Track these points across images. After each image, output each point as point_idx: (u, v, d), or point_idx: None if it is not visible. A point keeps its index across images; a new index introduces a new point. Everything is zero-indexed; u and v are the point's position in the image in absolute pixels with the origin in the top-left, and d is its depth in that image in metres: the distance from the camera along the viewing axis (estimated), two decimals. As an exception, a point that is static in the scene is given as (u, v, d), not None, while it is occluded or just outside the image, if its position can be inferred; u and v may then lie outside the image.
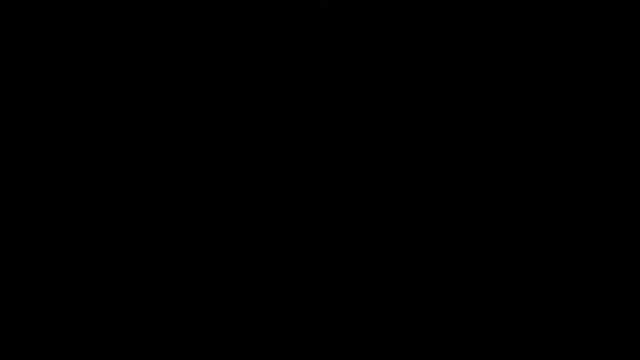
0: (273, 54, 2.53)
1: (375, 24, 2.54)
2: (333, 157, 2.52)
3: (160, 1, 2.53)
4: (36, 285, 2.43)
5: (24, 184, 2.48)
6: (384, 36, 2.54)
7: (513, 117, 2.51)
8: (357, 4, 2.54)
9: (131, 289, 2.44)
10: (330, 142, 2.52)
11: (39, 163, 2.48)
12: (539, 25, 2.52)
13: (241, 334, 2.43)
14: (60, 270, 2.44)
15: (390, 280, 2.45)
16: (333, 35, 2.54)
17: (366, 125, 2.52)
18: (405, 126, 2.51)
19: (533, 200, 2.47)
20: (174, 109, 2.52)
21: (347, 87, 2.53)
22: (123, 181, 2.48)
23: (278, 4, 2.53)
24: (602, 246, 2.44)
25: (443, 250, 2.46)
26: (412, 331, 2.43)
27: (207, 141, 2.51)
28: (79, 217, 2.46)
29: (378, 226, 2.48)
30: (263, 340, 2.43)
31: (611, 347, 2.39)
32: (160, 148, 2.50)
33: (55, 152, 2.48)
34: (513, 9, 2.52)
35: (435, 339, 2.42)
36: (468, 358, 2.41)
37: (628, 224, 2.44)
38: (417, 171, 2.50)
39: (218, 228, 2.48)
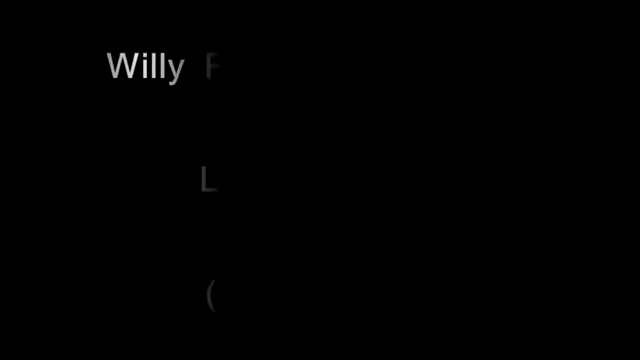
0: (273, 55, 2.55)
1: (377, 27, 2.57)
2: (334, 159, 2.53)
3: (160, 1, 2.56)
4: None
5: (22, 184, 2.49)
6: (386, 39, 2.56)
7: (514, 119, 2.51)
8: (359, 7, 2.56)
9: (128, 288, 2.44)
10: (330, 144, 2.53)
11: (38, 163, 2.49)
12: (542, 26, 2.53)
13: (240, 333, 2.43)
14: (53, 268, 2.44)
15: (388, 280, 2.45)
16: (335, 38, 2.56)
17: (367, 127, 2.53)
18: (405, 128, 2.53)
19: (533, 200, 2.48)
20: (174, 110, 2.54)
21: (348, 90, 2.55)
22: (121, 180, 2.49)
23: (278, 6, 2.56)
24: (602, 246, 2.44)
25: (442, 250, 2.46)
26: (412, 330, 2.42)
27: (205, 141, 2.52)
28: (85, 217, 2.47)
29: (383, 224, 2.48)
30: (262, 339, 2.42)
31: (611, 347, 2.38)
32: (160, 148, 2.52)
33: (54, 152, 2.50)
34: (514, 11, 2.54)
35: (435, 339, 2.42)
36: (468, 358, 2.40)
37: (628, 224, 2.44)
38: (416, 174, 2.51)
39: (217, 226, 2.49)
